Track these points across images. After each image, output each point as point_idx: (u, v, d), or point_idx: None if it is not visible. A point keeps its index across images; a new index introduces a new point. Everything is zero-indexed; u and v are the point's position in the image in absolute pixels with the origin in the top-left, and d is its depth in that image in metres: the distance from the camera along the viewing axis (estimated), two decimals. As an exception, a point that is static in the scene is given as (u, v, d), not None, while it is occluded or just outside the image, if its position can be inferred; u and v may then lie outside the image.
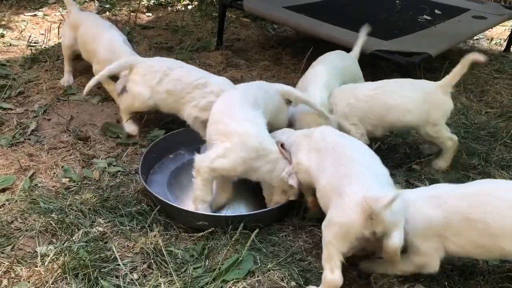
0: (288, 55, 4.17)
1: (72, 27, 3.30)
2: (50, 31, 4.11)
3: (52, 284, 1.83)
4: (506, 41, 4.66)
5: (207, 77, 2.68)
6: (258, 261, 2.00)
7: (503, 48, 4.68)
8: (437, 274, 1.96)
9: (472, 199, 1.78)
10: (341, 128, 2.42)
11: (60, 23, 4.27)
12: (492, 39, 4.93)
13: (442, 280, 1.96)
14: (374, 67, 3.94)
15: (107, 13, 4.93)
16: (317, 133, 2.13)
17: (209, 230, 2.07)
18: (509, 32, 4.63)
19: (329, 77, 2.69)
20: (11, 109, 3.03)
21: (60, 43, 4.05)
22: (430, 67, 3.92)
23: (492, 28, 4.73)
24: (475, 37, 4.84)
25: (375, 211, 1.64)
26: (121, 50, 3.00)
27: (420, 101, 2.50)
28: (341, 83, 2.76)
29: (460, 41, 4.08)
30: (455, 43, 3.90)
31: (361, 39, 3.10)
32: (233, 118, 2.17)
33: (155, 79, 2.67)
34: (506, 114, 3.34)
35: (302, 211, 2.28)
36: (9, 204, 2.24)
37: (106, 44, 3.05)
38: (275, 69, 3.91)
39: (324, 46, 3.31)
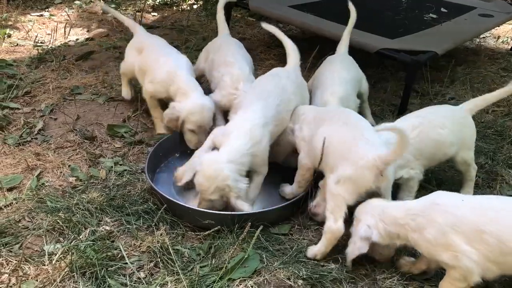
0: (293, 54, 4.15)
1: (136, 49, 3.04)
2: (56, 31, 4.13)
3: (59, 282, 1.84)
4: (513, 39, 4.64)
5: None
6: (265, 259, 2.00)
7: (510, 47, 4.65)
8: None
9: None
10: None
11: (66, 23, 4.29)
12: (499, 37, 4.90)
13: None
14: (379, 66, 3.94)
15: (113, 13, 4.94)
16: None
17: (216, 228, 2.07)
18: (516, 30, 4.60)
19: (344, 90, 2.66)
20: (18, 108, 3.05)
21: (66, 43, 4.09)
22: (436, 66, 3.91)
23: (499, 26, 4.70)
24: (482, 36, 4.82)
25: (386, 167, 1.92)
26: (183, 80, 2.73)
27: (458, 131, 2.35)
28: (355, 93, 2.76)
29: (466, 39, 4.06)
30: (461, 41, 3.88)
31: (347, 34, 3.05)
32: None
33: None
34: (513, 113, 3.32)
35: (309, 210, 2.27)
36: (16, 203, 2.25)
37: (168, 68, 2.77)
38: (281, 68, 3.89)
39: (330, 45, 3.31)
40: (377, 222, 1.86)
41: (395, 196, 2.21)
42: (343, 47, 3.04)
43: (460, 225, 1.71)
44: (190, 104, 2.60)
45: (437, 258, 1.75)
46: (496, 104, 3.40)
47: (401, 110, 3.18)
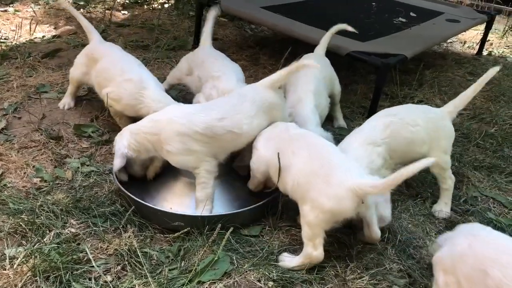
0: (265, 55, 4.16)
1: (90, 59, 2.87)
2: (21, 27, 4.00)
3: (21, 287, 1.77)
4: (478, 44, 4.77)
5: None
6: (235, 261, 1.98)
7: (475, 51, 4.79)
8: (411, 270, 1.99)
9: None
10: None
11: (32, 19, 4.16)
12: (465, 42, 5.04)
13: (419, 278, 1.98)
14: (350, 68, 3.98)
15: (82, 10, 4.83)
16: (282, 126, 2.24)
17: (185, 230, 2.03)
18: (481, 36, 4.73)
19: (316, 87, 2.70)
20: (-21, 107, 2.94)
21: (32, 40, 3.97)
22: (405, 69, 3.98)
23: (465, 32, 4.83)
24: (448, 40, 4.94)
25: (368, 196, 1.88)
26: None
27: (431, 130, 2.32)
28: (327, 92, 2.81)
29: (434, 43, 4.16)
30: (430, 45, 3.96)
31: (328, 36, 3.08)
32: None
33: None
34: (479, 116, 3.41)
35: (279, 212, 2.26)
36: (-24, 205, 2.16)
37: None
38: (253, 69, 3.90)
39: (301, 46, 3.32)
40: None
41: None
42: (320, 49, 3.06)
43: None
44: None
45: None
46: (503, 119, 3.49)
47: (371, 112, 3.21)
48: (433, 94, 3.69)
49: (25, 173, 2.42)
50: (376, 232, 2.04)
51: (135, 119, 2.48)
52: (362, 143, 2.22)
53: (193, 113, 2.18)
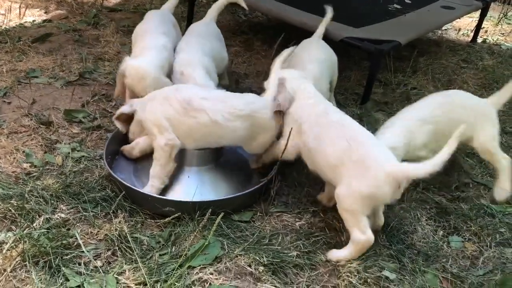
0: (259, 41, 4.13)
1: None
2: (11, 11, 3.94)
3: (10, 272, 1.76)
4: (473, 32, 4.75)
5: None
6: (226, 246, 1.97)
7: (470, 39, 4.77)
8: (401, 255, 2.00)
9: None
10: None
11: (21, 3, 4.09)
12: (459, 29, 5.02)
13: (409, 263, 1.99)
14: (344, 55, 3.95)
15: (73, -6, 4.76)
16: (321, 107, 2.18)
17: (176, 215, 2.03)
18: (476, 23, 4.72)
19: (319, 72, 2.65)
20: (-31, 91, 2.90)
21: (22, 24, 3.91)
22: (399, 56, 3.97)
23: (460, 19, 4.81)
24: (443, 27, 4.92)
25: (407, 180, 1.90)
26: None
27: (479, 115, 2.37)
28: (328, 78, 2.76)
29: (429, 30, 4.14)
30: (424, 32, 3.94)
31: (326, 22, 3.04)
32: None
33: None
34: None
35: (271, 198, 2.26)
36: (-35, 190, 2.14)
37: None
38: (246, 54, 3.87)
39: (296, 32, 3.29)
40: None
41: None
42: (318, 34, 3.03)
43: None
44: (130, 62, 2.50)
45: None
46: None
47: (364, 99, 3.21)
48: (426, 81, 3.68)
49: (14, 158, 2.40)
50: (382, 219, 2.08)
51: None
52: (412, 118, 2.29)
53: None
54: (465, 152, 2.80)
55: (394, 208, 2.30)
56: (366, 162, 1.89)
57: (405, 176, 1.87)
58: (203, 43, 2.82)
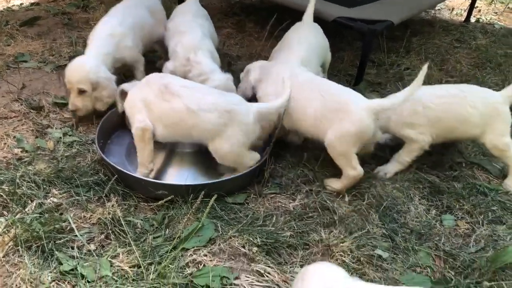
0: (251, 22, 4.08)
1: None
2: (-2, -6, 3.87)
3: (3, 257, 1.76)
4: (466, 11, 4.72)
5: None
6: (219, 228, 1.98)
7: (463, 19, 4.74)
8: (394, 234, 2.01)
9: None
10: (402, 138, 2.39)
11: (9, -14, 4.02)
12: (453, 9, 4.98)
13: (401, 242, 2.00)
14: (336, 35, 3.92)
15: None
16: (288, 72, 2.35)
17: (169, 198, 2.02)
18: (469, 3, 4.68)
19: (308, 54, 2.61)
20: (-44, 77, 2.86)
21: (9, 7, 3.85)
22: (391, 36, 3.94)
23: (453, -2, 4.78)
24: (436, 7, 4.88)
25: (382, 112, 2.15)
26: None
27: (488, 116, 2.34)
28: (318, 60, 2.72)
29: (421, 10, 4.09)
30: (417, 12, 3.90)
31: (312, 2, 2.96)
32: None
33: None
34: (465, 83, 3.39)
35: (265, 179, 2.26)
36: (-45, 176, 2.12)
37: None
38: (239, 36, 3.83)
39: (288, 13, 3.25)
40: None
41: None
42: (308, 16, 2.98)
43: None
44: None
45: None
46: (449, 74, 3.51)
47: (358, 80, 3.19)
48: (420, 61, 3.66)
49: (5, 143, 2.38)
50: (371, 147, 2.36)
51: None
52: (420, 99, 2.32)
53: None
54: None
55: (387, 187, 2.30)
56: (344, 107, 2.12)
57: (380, 107, 2.11)
58: (201, 24, 2.78)
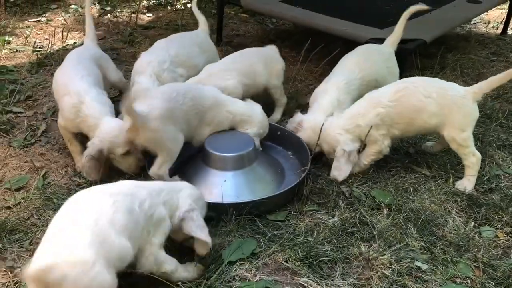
0: (287, 47, 4.24)
1: None
2: (54, 35, 4.22)
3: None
4: (503, 24, 4.71)
5: None
6: (262, 244, 2.09)
7: (499, 31, 4.73)
8: (432, 247, 2.06)
9: None
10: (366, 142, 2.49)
11: (63, 27, 4.38)
12: (489, 22, 4.98)
13: (440, 254, 2.05)
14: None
15: (109, 15, 5.04)
16: None
17: (213, 219, 2.15)
18: (505, 15, 4.67)
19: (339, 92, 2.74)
20: (21, 112, 3.15)
21: (64, 46, 4.19)
22: (426, 53, 3.99)
23: (488, 12, 4.77)
24: (472, 21, 4.89)
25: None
26: None
27: (445, 106, 2.40)
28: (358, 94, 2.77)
29: (455, 26, 4.14)
30: (450, 28, 3.96)
31: (400, 26, 3.09)
32: None
33: None
34: (502, 96, 3.41)
35: (304, 197, 2.37)
36: (24, 202, 2.35)
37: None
38: (275, 62, 3.99)
39: (322, 37, 3.39)
40: None
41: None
42: (391, 40, 3.10)
43: None
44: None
45: None
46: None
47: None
48: (455, 76, 3.70)
49: (66, 171, 2.61)
50: None
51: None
52: (368, 99, 2.49)
53: None
54: (496, 144, 2.83)
55: (424, 201, 2.36)
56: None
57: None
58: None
